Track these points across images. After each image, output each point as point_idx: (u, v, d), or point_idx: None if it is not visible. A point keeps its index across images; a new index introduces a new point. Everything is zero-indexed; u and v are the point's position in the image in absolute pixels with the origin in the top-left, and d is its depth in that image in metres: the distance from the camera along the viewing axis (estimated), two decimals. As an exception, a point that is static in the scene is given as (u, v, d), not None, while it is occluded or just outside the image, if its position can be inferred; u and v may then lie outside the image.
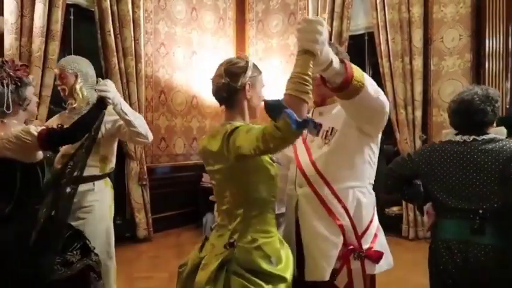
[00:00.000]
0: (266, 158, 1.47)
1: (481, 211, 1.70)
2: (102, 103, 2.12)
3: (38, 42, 3.68)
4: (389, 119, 5.35)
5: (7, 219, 1.94)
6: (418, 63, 4.62)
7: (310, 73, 1.21)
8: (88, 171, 2.24)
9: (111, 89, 2.13)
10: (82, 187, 2.22)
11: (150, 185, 4.87)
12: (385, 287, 3.16)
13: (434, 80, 4.70)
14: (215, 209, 2.69)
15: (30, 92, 2.09)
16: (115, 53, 4.43)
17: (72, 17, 4.36)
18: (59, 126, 2.07)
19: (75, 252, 2.02)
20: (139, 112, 4.68)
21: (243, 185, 1.48)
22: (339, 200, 1.57)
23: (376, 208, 1.71)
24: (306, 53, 1.21)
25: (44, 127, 2.06)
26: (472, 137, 1.80)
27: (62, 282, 1.92)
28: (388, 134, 5.00)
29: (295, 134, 1.19)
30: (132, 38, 4.62)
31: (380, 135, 1.69)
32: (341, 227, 1.55)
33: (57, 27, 3.83)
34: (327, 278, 1.52)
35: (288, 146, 1.28)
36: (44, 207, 1.99)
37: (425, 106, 4.72)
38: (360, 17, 5.31)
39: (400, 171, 1.99)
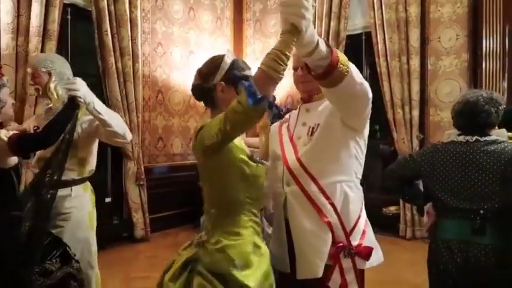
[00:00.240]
0: (241, 156, 1.38)
1: (482, 211, 1.72)
2: (73, 103, 2.01)
3: (34, 41, 3.66)
4: (386, 119, 5.38)
5: None
6: (415, 62, 4.63)
7: (288, 53, 1.15)
8: (65, 175, 2.13)
9: (80, 87, 2.01)
10: (60, 192, 2.11)
11: (147, 184, 4.86)
12: (382, 286, 3.18)
13: (431, 80, 4.71)
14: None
15: (4, 93, 2.00)
16: (112, 53, 4.42)
17: (69, 17, 4.35)
18: (35, 128, 2.00)
19: (54, 260, 1.93)
20: (136, 112, 4.68)
21: (215, 184, 1.43)
22: (327, 197, 1.56)
23: (364, 203, 1.69)
24: (290, 32, 1.15)
25: (16, 131, 1.98)
26: (474, 138, 1.82)
27: None
28: (385, 134, 5.01)
29: (254, 110, 1.14)
30: (130, 38, 4.61)
31: (367, 131, 1.66)
32: (329, 224, 1.54)
33: (54, 26, 3.82)
34: (320, 274, 1.51)
35: (251, 125, 1.23)
36: (26, 221, 1.91)
37: (423, 106, 4.73)
38: (358, 17, 5.32)
39: (401, 171, 2.00)
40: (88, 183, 2.37)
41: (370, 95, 1.46)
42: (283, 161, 1.67)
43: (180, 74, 5.47)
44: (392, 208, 4.95)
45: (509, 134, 2.05)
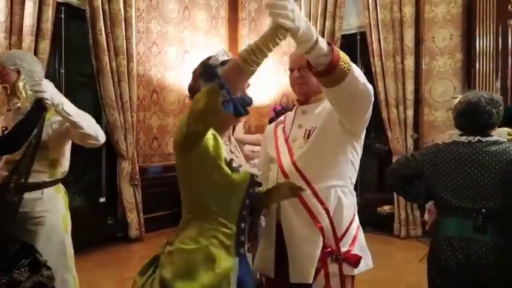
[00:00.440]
0: (215, 160, 1.28)
1: (484, 210, 1.75)
2: (40, 105, 1.93)
3: (28, 41, 3.64)
4: (381, 118, 5.40)
5: None
6: (409, 62, 4.65)
7: (263, 48, 1.10)
8: (35, 178, 2.05)
9: (47, 88, 1.93)
10: (30, 195, 2.04)
11: (142, 184, 4.84)
12: (376, 286, 3.19)
13: (425, 80, 4.74)
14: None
15: None
16: (106, 52, 4.39)
17: (63, 16, 4.32)
18: (3, 129, 1.93)
19: (23, 269, 1.82)
20: (131, 112, 4.66)
21: (185, 186, 1.37)
22: (321, 202, 1.54)
23: (357, 209, 1.68)
24: (273, 29, 1.10)
25: None
26: (477, 138, 1.85)
27: None
28: (380, 133, 5.03)
29: (210, 92, 1.09)
30: (124, 37, 4.58)
31: (363, 136, 1.65)
32: (321, 229, 1.53)
33: (48, 25, 3.79)
34: (310, 280, 1.51)
35: (212, 114, 1.12)
36: None
37: (417, 105, 4.76)
38: (352, 17, 5.34)
39: (403, 171, 2.03)
40: (61, 185, 2.28)
41: (372, 96, 1.43)
42: (278, 164, 1.65)
43: (175, 74, 5.46)
44: (386, 207, 4.97)
45: (509, 129, 2.09)
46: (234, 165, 1.31)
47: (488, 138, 1.84)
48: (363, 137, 1.64)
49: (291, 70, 1.69)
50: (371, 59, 4.87)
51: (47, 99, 1.92)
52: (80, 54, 4.63)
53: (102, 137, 2.18)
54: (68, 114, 2.00)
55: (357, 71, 1.33)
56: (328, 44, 1.28)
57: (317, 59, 1.28)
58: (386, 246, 4.30)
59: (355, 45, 5.32)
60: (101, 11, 4.32)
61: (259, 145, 3.35)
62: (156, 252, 1.47)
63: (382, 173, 4.62)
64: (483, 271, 1.72)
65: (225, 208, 1.33)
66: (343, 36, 5.21)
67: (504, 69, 4.15)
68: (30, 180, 2.00)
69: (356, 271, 1.56)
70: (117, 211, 4.80)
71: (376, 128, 5.13)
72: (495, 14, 4.15)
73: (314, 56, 1.27)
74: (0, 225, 1.86)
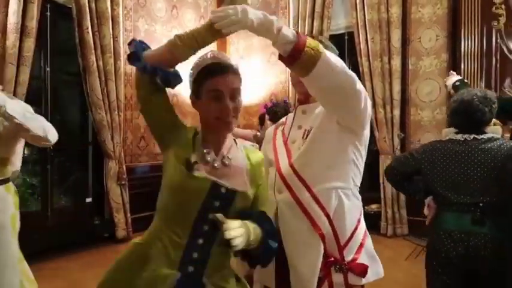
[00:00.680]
0: (176, 158, 1.26)
1: (481, 204, 1.83)
2: None
3: (12, 38, 3.58)
4: (368, 118, 5.34)
5: None
6: (396, 62, 4.71)
7: (195, 37, 1.21)
8: None
9: None
10: None
11: (129, 184, 4.80)
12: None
13: (412, 80, 4.80)
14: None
15: None
16: (93, 51, 4.35)
17: (48, 14, 4.26)
18: None
19: None
20: (118, 111, 4.62)
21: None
22: (321, 206, 1.45)
23: (362, 213, 1.57)
24: (209, 24, 1.21)
25: None
26: (472, 136, 1.92)
27: None
28: (368, 133, 5.07)
29: (129, 59, 1.24)
30: (111, 36, 4.54)
31: (367, 135, 1.56)
32: (321, 235, 1.43)
33: (33, 23, 3.73)
34: None
35: (145, 85, 1.32)
36: None
37: (403, 105, 4.82)
38: (340, 17, 5.39)
39: (401, 168, 2.10)
40: (11, 184, 2.22)
41: (358, 86, 1.33)
42: (276, 167, 1.57)
43: (163, 73, 5.42)
44: (373, 206, 5.01)
45: (496, 120, 2.15)
46: (195, 169, 1.23)
47: (483, 136, 1.91)
48: (365, 137, 1.54)
49: None
50: (359, 59, 4.91)
51: None
52: (66, 53, 4.57)
53: (52, 137, 2.14)
54: (13, 117, 1.94)
55: (333, 59, 1.28)
56: (297, 32, 1.26)
57: (284, 47, 1.24)
58: (373, 245, 4.33)
59: (343, 45, 5.35)
60: (87, 9, 4.27)
61: (249, 140, 3.37)
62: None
63: (369, 172, 4.66)
64: (482, 263, 1.80)
65: (180, 213, 1.25)
66: (331, 36, 5.24)
67: (488, 69, 4.22)
68: None
69: (364, 280, 1.46)
70: (104, 211, 4.74)
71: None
72: (480, 15, 4.22)
73: (281, 45, 1.24)
74: None
